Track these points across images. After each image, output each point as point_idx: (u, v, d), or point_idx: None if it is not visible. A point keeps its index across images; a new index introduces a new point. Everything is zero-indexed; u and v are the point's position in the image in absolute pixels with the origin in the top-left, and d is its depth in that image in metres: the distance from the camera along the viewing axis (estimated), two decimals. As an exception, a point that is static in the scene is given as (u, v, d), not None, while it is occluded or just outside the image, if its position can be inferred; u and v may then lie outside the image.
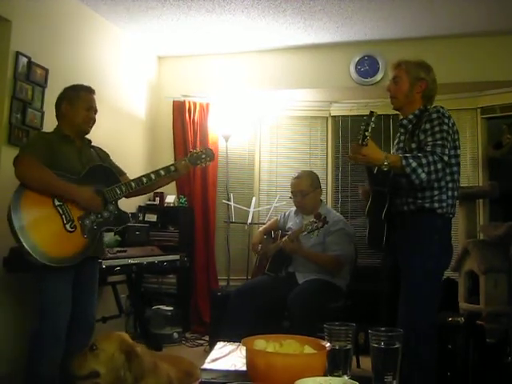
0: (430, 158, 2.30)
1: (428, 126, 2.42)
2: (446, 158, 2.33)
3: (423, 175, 2.29)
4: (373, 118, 2.26)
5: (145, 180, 2.85)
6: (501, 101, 4.91)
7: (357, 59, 5.02)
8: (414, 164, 2.28)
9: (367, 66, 5.00)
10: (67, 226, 2.55)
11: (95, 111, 2.81)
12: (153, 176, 2.88)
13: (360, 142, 2.27)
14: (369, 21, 4.51)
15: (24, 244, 2.40)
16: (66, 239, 2.55)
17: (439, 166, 2.30)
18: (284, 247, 3.55)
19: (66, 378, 2.59)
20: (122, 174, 2.99)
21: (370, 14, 4.37)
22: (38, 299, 2.57)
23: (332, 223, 3.58)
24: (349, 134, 5.49)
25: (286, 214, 4.03)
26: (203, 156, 3.09)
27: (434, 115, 2.43)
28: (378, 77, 4.95)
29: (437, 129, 2.39)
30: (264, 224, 4.47)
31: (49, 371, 2.51)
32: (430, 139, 2.39)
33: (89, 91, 2.80)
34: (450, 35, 4.72)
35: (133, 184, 2.81)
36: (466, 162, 5.01)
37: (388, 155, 2.34)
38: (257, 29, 4.73)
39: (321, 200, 3.89)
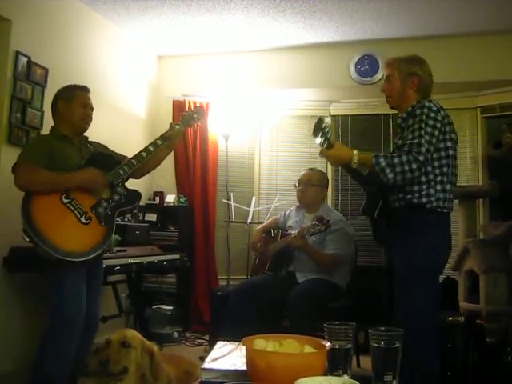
0: (404, 158, 2.27)
1: (411, 122, 2.38)
2: (421, 158, 2.26)
3: (390, 175, 2.27)
4: (323, 125, 2.32)
5: (144, 154, 2.85)
6: (500, 100, 4.91)
7: (357, 58, 5.02)
8: (383, 163, 2.28)
9: (367, 66, 5.00)
10: (82, 219, 2.57)
11: (91, 108, 2.82)
12: (151, 148, 2.87)
13: (325, 147, 2.35)
14: (368, 20, 4.51)
15: (47, 249, 2.41)
16: (84, 232, 2.57)
17: (414, 165, 2.26)
18: (292, 243, 3.53)
19: (75, 375, 2.60)
20: (123, 158, 2.97)
21: (369, 14, 4.37)
22: (54, 297, 2.55)
23: (332, 222, 3.58)
24: (349, 133, 5.49)
25: (287, 213, 4.03)
26: (195, 115, 3.10)
27: (418, 111, 2.37)
28: (378, 76, 4.95)
29: (417, 126, 2.33)
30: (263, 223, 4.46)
31: (60, 369, 2.50)
32: (409, 137, 2.34)
33: (83, 90, 2.82)
34: (450, 34, 4.72)
35: (134, 161, 2.82)
36: (465, 162, 5.01)
37: (358, 153, 2.34)
38: (257, 28, 4.73)
39: (323, 201, 3.90)
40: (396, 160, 2.27)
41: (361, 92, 5.21)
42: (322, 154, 2.43)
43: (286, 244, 3.61)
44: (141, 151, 2.86)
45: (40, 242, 2.42)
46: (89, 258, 2.52)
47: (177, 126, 3.00)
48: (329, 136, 2.35)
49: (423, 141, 2.29)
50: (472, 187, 4.47)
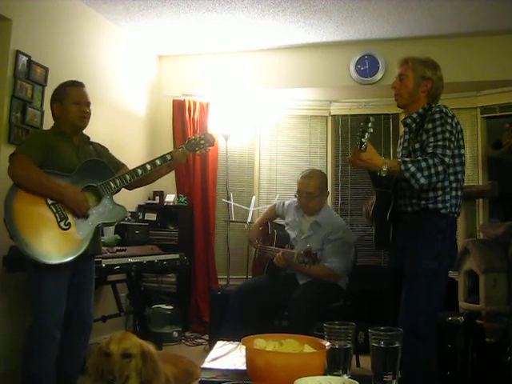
0: (430, 162, 2.27)
1: (430, 125, 2.39)
2: (447, 160, 2.30)
3: (422, 180, 2.26)
4: (369, 124, 2.24)
5: (140, 171, 2.79)
6: (500, 100, 4.91)
7: (357, 58, 5.01)
8: (412, 169, 2.26)
9: (367, 66, 4.99)
10: (61, 224, 2.52)
11: (87, 104, 2.74)
12: (148, 166, 2.81)
13: (358, 147, 2.26)
14: (369, 20, 4.51)
15: (20, 243, 2.40)
16: (61, 237, 2.52)
17: (440, 168, 2.28)
18: (276, 263, 3.53)
19: (62, 377, 2.60)
20: (121, 166, 2.94)
21: (369, 13, 4.37)
22: (33, 298, 2.55)
23: (332, 231, 3.55)
24: (349, 133, 5.50)
25: (286, 204, 3.93)
26: (202, 142, 2.97)
27: (437, 115, 2.39)
28: (378, 76, 4.95)
29: (439, 129, 2.35)
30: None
31: (44, 370, 2.50)
32: (431, 140, 2.35)
33: (75, 85, 2.74)
34: (450, 34, 4.72)
35: (128, 176, 2.76)
36: (465, 162, 4.99)
37: (387, 161, 2.30)
38: (257, 28, 4.73)
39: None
40: (423, 164, 2.27)
41: (361, 92, 5.21)
42: (353, 155, 2.31)
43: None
44: (137, 168, 2.80)
45: (16, 234, 2.40)
46: (55, 263, 2.46)
47: (180, 150, 2.93)
48: (366, 137, 2.27)
49: (448, 143, 2.33)
50: (472, 187, 4.46)
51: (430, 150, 2.33)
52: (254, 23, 4.63)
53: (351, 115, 5.50)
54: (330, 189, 5.45)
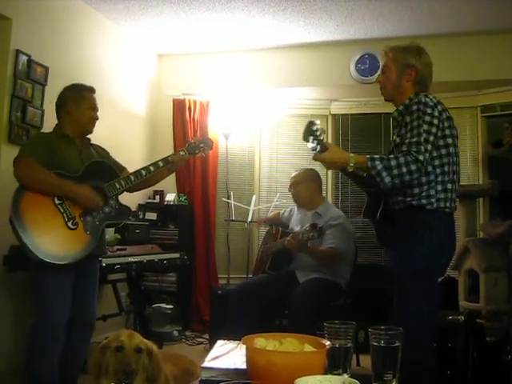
0: (402, 160, 2.14)
1: (408, 119, 2.25)
2: (421, 158, 2.13)
3: (387, 179, 2.14)
4: (314, 128, 2.21)
5: (144, 172, 2.84)
6: (501, 99, 4.91)
7: (357, 57, 5.02)
8: (379, 167, 2.15)
9: (367, 65, 5.00)
10: (69, 224, 2.54)
11: (97, 109, 2.82)
12: (151, 168, 2.87)
13: (318, 151, 2.23)
14: (369, 19, 4.51)
15: (27, 244, 2.40)
16: (68, 237, 2.54)
17: (413, 167, 2.13)
18: (289, 247, 3.54)
19: (65, 376, 2.60)
20: (122, 169, 2.97)
21: (370, 13, 4.37)
22: (38, 298, 2.55)
23: (331, 218, 3.60)
24: (349, 132, 5.50)
25: (293, 210, 4.02)
26: (201, 145, 3.07)
27: (414, 107, 2.24)
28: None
29: (415, 123, 2.20)
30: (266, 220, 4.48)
31: (47, 369, 2.50)
32: (408, 136, 2.21)
33: (91, 91, 2.82)
34: (450, 33, 4.72)
35: (132, 177, 2.81)
36: (466, 161, 5.02)
37: (354, 156, 2.21)
38: (257, 27, 4.73)
39: (323, 197, 3.94)
40: (393, 162, 2.14)
41: (361, 91, 5.21)
42: (314, 158, 2.29)
43: (282, 246, 3.61)
44: (141, 169, 2.85)
45: (23, 235, 2.40)
46: (63, 263, 2.47)
47: (181, 153, 3.00)
48: (321, 139, 2.23)
49: (422, 139, 2.16)
50: (472, 186, 4.47)
51: (404, 148, 2.20)
52: (254, 22, 4.62)
53: (351, 114, 5.50)
54: (329, 188, 5.49)
